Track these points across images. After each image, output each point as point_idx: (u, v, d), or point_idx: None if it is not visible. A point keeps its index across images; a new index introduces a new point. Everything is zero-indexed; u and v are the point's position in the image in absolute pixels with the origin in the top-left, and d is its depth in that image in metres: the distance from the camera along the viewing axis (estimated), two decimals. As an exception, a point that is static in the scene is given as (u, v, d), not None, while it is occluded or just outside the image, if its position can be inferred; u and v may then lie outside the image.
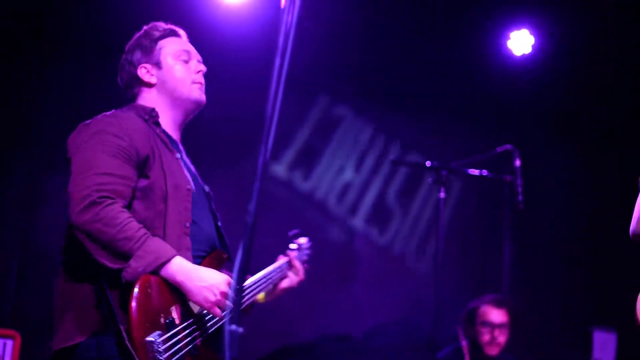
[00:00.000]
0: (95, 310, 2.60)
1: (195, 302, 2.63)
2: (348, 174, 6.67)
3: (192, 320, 2.67)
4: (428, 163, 4.11)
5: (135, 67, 3.02)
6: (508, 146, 4.34)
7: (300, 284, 3.29)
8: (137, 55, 3.04)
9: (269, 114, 1.73)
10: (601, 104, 7.08)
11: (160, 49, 3.04)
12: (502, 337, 4.97)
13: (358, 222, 6.66)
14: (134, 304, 2.47)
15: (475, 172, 4.28)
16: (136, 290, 2.49)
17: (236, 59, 5.78)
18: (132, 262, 2.52)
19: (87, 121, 2.82)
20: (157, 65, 3.02)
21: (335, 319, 6.42)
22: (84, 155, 2.69)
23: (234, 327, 1.73)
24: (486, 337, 4.95)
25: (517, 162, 4.32)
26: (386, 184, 6.80)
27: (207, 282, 2.62)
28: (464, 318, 5.09)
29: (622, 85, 6.86)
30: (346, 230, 6.64)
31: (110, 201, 2.57)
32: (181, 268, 2.60)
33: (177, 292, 2.62)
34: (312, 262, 6.30)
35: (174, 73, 3.03)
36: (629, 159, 7.38)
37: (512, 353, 5.39)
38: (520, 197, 4.18)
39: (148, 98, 3.01)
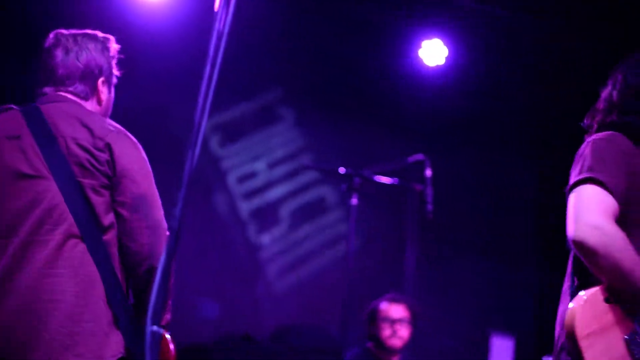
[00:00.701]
0: (116, 332, 2.65)
1: None
2: (260, 166, 6.71)
3: None
4: (341, 170, 4.15)
5: (99, 74, 2.85)
6: (420, 156, 4.41)
7: None
8: (104, 63, 2.86)
9: (197, 121, 1.72)
10: (511, 114, 7.29)
11: (113, 71, 2.92)
12: (403, 331, 5.12)
13: (261, 219, 6.67)
14: (172, 347, 2.78)
15: (387, 180, 4.35)
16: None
17: (155, 55, 5.72)
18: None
19: (123, 130, 2.74)
20: (109, 88, 2.90)
21: (237, 319, 6.40)
22: (151, 182, 2.72)
23: (155, 328, 1.74)
24: (387, 332, 5.09)
25: (428, 172, 4.40)
26: (296, 187, 6.84)
27: None
28: (366, 318, 5.20)
29: (533, 95, 7.08)
30: (251, 230, 6.64)
31: None
32: None
33: None
34: (216, 259, 6.32)
35: (111, 104, 2.95)
36: (537, 167, 7.62)
37: (414, 355, 5.50)
38: (429, 207, 4.26)
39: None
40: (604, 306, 2.41)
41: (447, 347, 7.06)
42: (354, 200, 4.03)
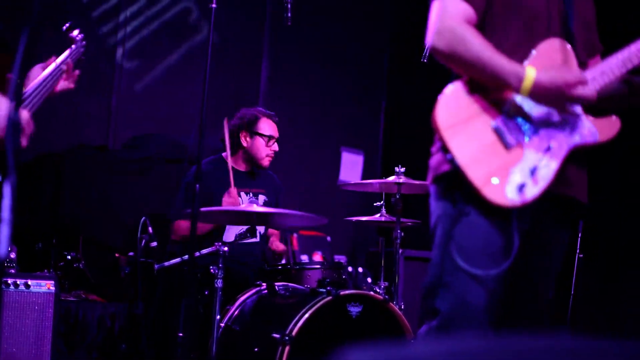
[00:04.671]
0: None
1: None
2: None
3: None
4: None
5: None
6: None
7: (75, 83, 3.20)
8: None
9: None
10: None
11: None
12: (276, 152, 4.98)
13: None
14: None
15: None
16: None
17: None
18: None
19: None
20: None
21: (92, 129, 6.30)
22: None
23: (16, 118, 1.73)
24: (268, 150, 4.91)
25: (288, -21, 4.30)
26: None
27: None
28: (242, 125, 4.97)
29: None
30: (108, 44, 6.42)
31: None
32: None
33: None
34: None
35: None
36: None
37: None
38: (289, 14, 4.19)
39: None
40: (469, 98, 2.48)
41: (300, 160, 7.23)
42: (214, 4, 3.91)
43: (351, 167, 7.58)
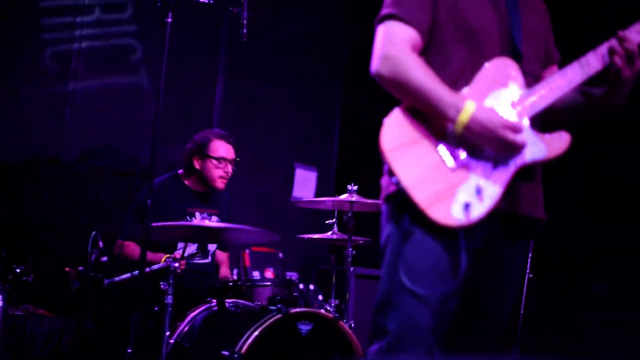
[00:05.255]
0: None
1: None
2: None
3: None
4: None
5: None
6: (236, -23, 4.32)
7: None
8: None
9: None
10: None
11: None
12: (229, 173, 4.96)
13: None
14: None
15: None
16: None
17: None
18: None
19: None
20: None
21: (44, 141, 6.23)
22: None
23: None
24: (220, 172, 4.92)
25: (245, -9, 4.30)
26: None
27: None
28: (194, 149, 4.99)
29: None
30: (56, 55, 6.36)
31: None
32: None
33: None
34: (24, 83, 6.04)
35: None
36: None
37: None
38: (244, 30, 4.20)
39: None
40: (414, 120, 2.48)
41: (257, 177, 7.21)
42: (169, 19, 3.91)
43: (304, 184, 7.59)
